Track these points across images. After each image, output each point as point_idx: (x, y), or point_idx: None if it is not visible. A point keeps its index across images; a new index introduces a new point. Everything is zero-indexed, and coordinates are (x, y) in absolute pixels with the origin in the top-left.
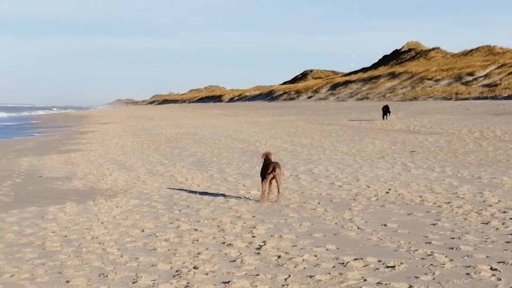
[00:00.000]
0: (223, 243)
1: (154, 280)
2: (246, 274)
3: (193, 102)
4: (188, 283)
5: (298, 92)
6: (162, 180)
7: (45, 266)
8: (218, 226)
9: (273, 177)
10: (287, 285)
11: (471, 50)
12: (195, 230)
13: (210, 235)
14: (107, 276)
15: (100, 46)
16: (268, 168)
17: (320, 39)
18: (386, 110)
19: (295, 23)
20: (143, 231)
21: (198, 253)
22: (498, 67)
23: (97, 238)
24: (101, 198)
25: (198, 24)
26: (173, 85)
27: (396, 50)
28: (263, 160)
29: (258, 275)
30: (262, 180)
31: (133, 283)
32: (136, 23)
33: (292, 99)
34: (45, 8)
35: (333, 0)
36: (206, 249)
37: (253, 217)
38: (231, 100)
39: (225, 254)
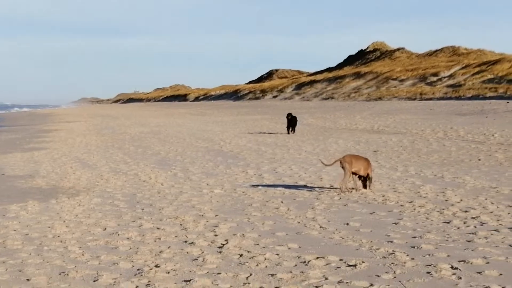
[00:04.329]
0: (185, 241)
1: (115, 279)
2: (207, 272)
3: (158, 101)
4: (149, 281)
5: (264, 92)
6: (125, 179)
7: (6, 264)
8: (181, 224)
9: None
10: (248, 283)
11: (436, 51)
12: (158, 228)
13: (172, 234)
14: (68, 274)
15: (64, 45)
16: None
17: (286, 38)
18: (291, 121)
19: (260, 22)
20: (105, 229)
21: (160, 252)
22: (462, 68)
23: (58, 236)
24: (63, 197)
25: (164, 23)
26: (138, 84)
27: (361, 50)
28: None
29: (219, 273)
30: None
31: (94, 281)
32: (101, 22)
33: (257, 98)
34: (12, 6)
35: (299, 1)
36: (168, 247)
37: (216, 216)
38: (196, 99)
39: (187, 252)
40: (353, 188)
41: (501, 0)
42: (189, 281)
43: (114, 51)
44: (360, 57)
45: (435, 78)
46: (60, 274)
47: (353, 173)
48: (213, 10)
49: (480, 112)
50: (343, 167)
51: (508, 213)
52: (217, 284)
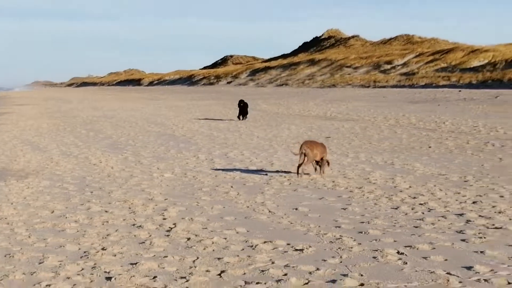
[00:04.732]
0: (133, 225)
1: (61, 261)
2: (154, 256)
3: (112, 85)
4: (95, 264)
5: (218, 77)
6: (76, 162)
7: None
8: (130, 208)
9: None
10: (195, 267)
11: (390, 39)
12: (106, 211)
13: (121, 217)
14: (13, 256)
15: (17, 29)
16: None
17: (241, 24)
18: (243, 108)
19: (216, 8)
20: (53, 212)
21: (107, 235)
22: (416, 56)
23: (5, 218)
24: (12, 179)
25: (118, 7)
26: (92, 68)
27: (316, 37)
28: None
29: (166, 256)
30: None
31: (40, 263)
32: (55, 4)
33: (211, 84)
34: None
35: None
36: (116, 230)
37: (165, 199)
38: (151, 84)
39: (135, 236)
40: (306, 174)
41: None
42: (135, 264)
43: (69, 35)
44: (315, 44)
45: (389, 66)
46: (5, 256)
47: None
48: None
49: (433, 100)
50: (305, 154)
51: (456, 200)
52: (164, 268)
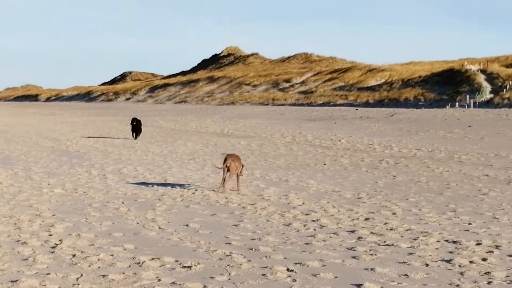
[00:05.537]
0: (18, 241)
1: None
2: (36, 273)
3: (9, 100)
4: None
5: (117, 94)
6: None
7: None
8: (15, 224)
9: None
10: (78, 284)
11: (289, 57)
12: None
13: (5, 233)
14: None
15: None
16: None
17: (140, 40)
18: (136, 126)
19: (114, 23)
20: None
21: None
22: (314, 75)
23: None
24: None
25: (13, 20)
26: None
27: (216, 54)
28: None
29: (49, 274)
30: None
31: None
32: None
33: (110, 100)
34: None
35: (152, 1)
36: None
37: (53, 215)
38: (48, 99)
39: (18, 252)
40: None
41: (352, 7)
42: (16, 281)
43: None
44: (214, 61)
45: (287, 84)
46: None
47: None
48: (65, 9)
49: (329, 118)
50: (229, 167)
51: (348, 217)
52: (45, 285)
